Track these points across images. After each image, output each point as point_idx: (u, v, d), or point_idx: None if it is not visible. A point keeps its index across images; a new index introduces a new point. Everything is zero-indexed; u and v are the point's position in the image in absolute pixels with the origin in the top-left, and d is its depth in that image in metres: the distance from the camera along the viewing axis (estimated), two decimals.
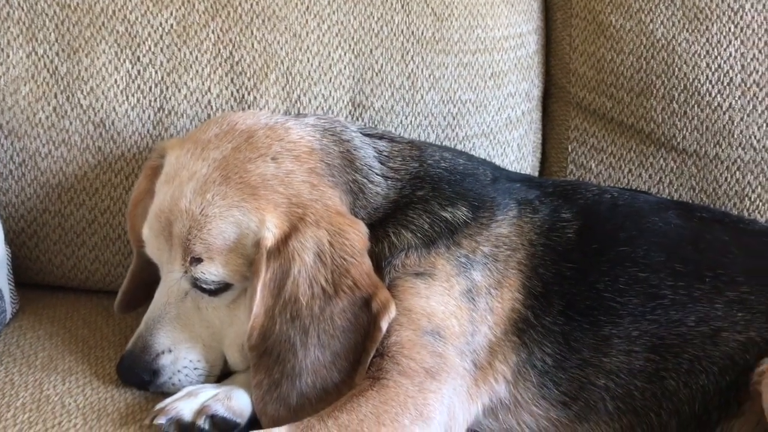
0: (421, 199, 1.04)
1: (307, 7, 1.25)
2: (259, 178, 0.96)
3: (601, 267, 1.04)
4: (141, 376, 1.00)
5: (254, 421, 0.98)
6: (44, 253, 1.26)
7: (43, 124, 1.22)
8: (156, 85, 1.23)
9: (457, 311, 0.98)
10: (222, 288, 0.98)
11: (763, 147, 1.31)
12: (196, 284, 0.99)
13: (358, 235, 0.96)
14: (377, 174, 1.05)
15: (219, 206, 0.95)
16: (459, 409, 0.97)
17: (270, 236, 0.94)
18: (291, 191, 0.97)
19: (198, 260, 0.96)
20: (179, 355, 1.00)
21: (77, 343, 1.12)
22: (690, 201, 1.35)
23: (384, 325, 0.95)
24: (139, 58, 1.23)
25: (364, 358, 0.94)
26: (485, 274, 1.01)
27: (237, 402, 0.96)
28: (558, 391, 1.00)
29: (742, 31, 1.30)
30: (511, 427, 1.02)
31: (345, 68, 1.26)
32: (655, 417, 1.00)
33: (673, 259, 1.05)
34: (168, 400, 0.96)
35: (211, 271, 0.96)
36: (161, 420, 0.93)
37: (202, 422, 0.93)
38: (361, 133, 1.10)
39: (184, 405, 0.95)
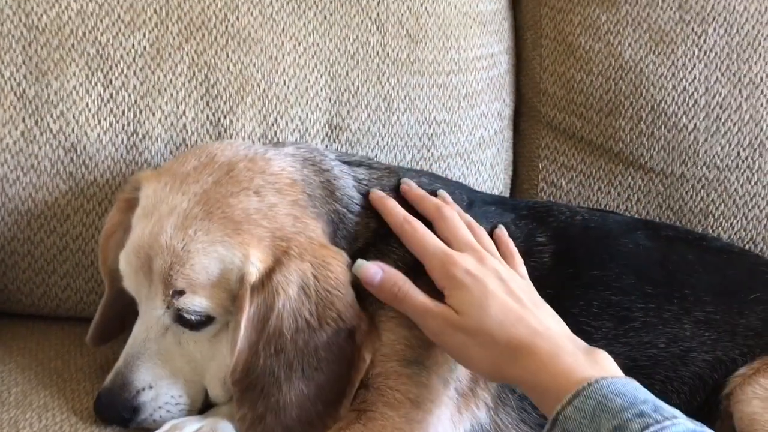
0: None
1: (283, 29, 1.24)
2: (242, 213, 0.95)
3: (575, 291, 1.06)
4: (121, 414, 0.97)
5: None
6: (12, 281, 1.22)
7: (10, 149, 1.18)
8: (129, 109, 1.20)
9: None
10: (204, 322, 0.97)
11: (726, 166, 1.36)
12: (178, 317, 0.97)
13: (341, 267, 0.96)
14: (356, 204, 1.05)
15: (202, 242, 0.94)
16: None
17: (254, 271, 0.93)
18: (275, 225, 0.96)
19: (180, 293, 0.95)
20: (160, 391, 0.98)
21: (51, 376, 1.09)
22: (657, 218, 1.39)
23: (368, 356, 0.95)
24: (111, 81, 1.20)
25: (349, 389, 0.94)
26: None
27: None
28: (536, 414, 1.02)
29: (705, 54, 1.35)
30: None
31: (321, 90, 1.26)
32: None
33: (643, 280, 1.08)
34: None
35: (195, 303, 0.94)
36: None
37: None
38: (339, 161, 1.09)
39: None
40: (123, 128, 1.20)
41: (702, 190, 1.37)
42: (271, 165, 1.01)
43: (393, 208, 1.03)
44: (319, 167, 1.05)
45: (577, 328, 1.03)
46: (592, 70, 1.38)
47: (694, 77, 1.35)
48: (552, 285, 1.05)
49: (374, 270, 0.97)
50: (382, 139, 1.29)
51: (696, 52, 1.35)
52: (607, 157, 1.39)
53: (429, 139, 1.33)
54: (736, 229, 1.37)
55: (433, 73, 1.32)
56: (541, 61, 1.43)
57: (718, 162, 1.36)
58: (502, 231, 1.08)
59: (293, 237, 0.96)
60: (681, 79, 1.35)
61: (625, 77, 1.36)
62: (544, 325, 0.91)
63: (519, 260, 1.04)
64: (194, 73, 1.21)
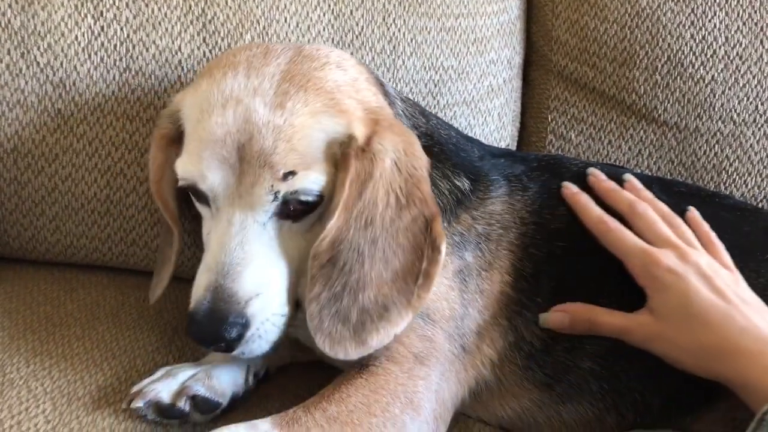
0: (436, 159, 0.98)
1: None
2: (333, 84, 0.90)
3: (589, 246, 1.02)
4: (230, 332, 0.84)
5: (236, 400, 0.94)
6: None
7: None
8: (121, 44, 1.14)
9: (448, 293, 0.94)
10: (309, 208, 0.89)
11: (743, 121, 1.31)
12: (282, 207, 0.88)
13: (421, 150, 0.93)
14: (400, 110, 1.01)
15: (304, 114, 0.87)
16: (447, 395, 0.94)
17: (360, 135, 0.88)
18: (361, 97, 0.92)
19: (292, 173, 0.86)
20: (268, 299, 0.87)
21: (40, 321, 1.05)
22: (669, 174, 1.34)
23: (443, 249, 0.89)
24: (102, 13, 1.13)
25: (425, 282, 0.89)
26: (477, 255, 0.97)
27: (218, 381, 0.92)
28: (543, 373, 0.99)
29: (726, 2, 1.29)
30: (494, 408, 1.00)
31: (324, 29, 1.19)
32: (638, 396, 1.00)
33: None
34: (144, 382, 0.91)
35: (310, 180, 0.86)
36: (138, 403, 0.88)
37: (183, 404, 0.89)
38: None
39: (163, 386, 0.90)
40: (114, 64, 1.13)
41: (716, 145, 1.32)
42: (333, 49, 0.98)
43: (587, 205, 1.02)
44: (367, 67, 1.04)
45: (588, 285, 1.00)
46: (606, 17, 1.32)
47: (714, 26, 1.29)
48: (566, 238, 1.01)
49: (560, 316, 0.97)
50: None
51: (716, 0, 1.29)
52: (619, 109, 1.34)
53: (435, 86, 1.27)
54: (749, 186, 1.33)
55: (441, 16, 1.26)
56: (554, 8, 1.36)
57: (735, 116, 1.31)
58: (694, 214, 1.05)
59: (379, 111, 0.92)
60: (699, 28, 1.29)
61: (641, 25, 1.30)
62: (752, 322, 0.89)
63: (719, 246, 1.02)
64: (191, 7, 1.15)
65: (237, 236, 0.86)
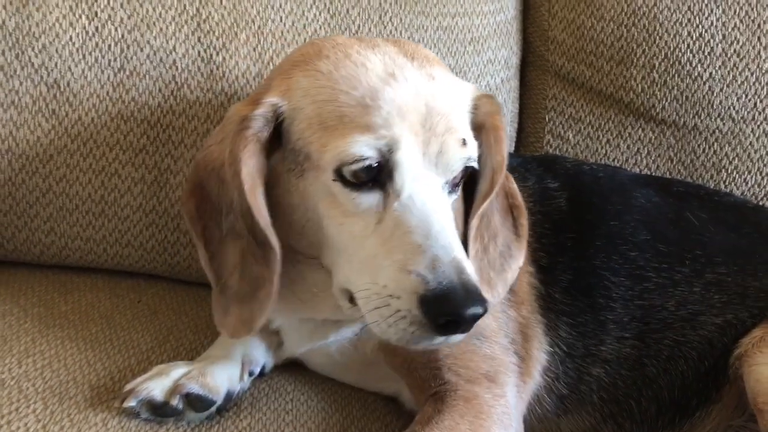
0: None
1: None
2: (438, 59, 0.92)
3: (596, 242, 1.01)
4: (483, 306, 0.77)
5: (231, 398, 0.93)
6: None
7: None
8: (116, 44, 1.13)
9: None
10: (460, 179, 0.88)
11: (742, 118, 1.30)
12: (453, 178, 0.86)
13: None
14: None
15: (455, 83, 0.88)
16: (520, 408, 0.93)
17: (483, 103, 0.90)
18: None
19: (464, 141, 0.85)
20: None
21: (33, 322, 1.04)
22: (668, 173, 1.33)
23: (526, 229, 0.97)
24: (96, 13, 1.13)
25: (519, 213, 0.96)
26: None
27: (212, 378, 0.90)
28: (564, 383, 0.98)
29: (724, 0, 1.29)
30: None
31: (320, 28, 1.19)
32: (635, 404, 0.99)
33: (657, 238, 1.03)
34: (137, 381, 0.90)
35: (475, 146, 0.87)
36: (131, 402, 0.87)
37: (176, 402, 0.87)
38: None
39: (155, 384, 0.88)
40: (109, 64, 1.13)
41: (715, 143, 1.31)
42: None
43: None
44: None
45: (600, 282, 0.98)
46: (603, 16, 1.31)
47: (711, 23, 1.29)
48: (572, 230, 1.01)
49: None
50: None
51: None
52: (617, 108, 1.33)
53: None
54: (750, 184, 1.32)
55: (437, 15, 1.26)
56: (550, 7, 1.36)
57: (734, 113, 1.30)
58: None
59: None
60: (697, 26, 1.29)
61: (637, 23, 1.30)
62: None
63: None
64: (185, 7, 1.15)
65: (440, 206, 0.82)
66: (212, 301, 0.86)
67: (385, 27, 1.22)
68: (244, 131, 0.82)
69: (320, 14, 1.19)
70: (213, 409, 0.90)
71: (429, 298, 0.75)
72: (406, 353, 0.91)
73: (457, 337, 0.79)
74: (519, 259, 0.94)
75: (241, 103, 0.87)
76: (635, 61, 1.30)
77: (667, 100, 1.31)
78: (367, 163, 0.80)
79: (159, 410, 0.87)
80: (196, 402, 0.88)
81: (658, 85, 1.30)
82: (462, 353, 0.90)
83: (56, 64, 1.12)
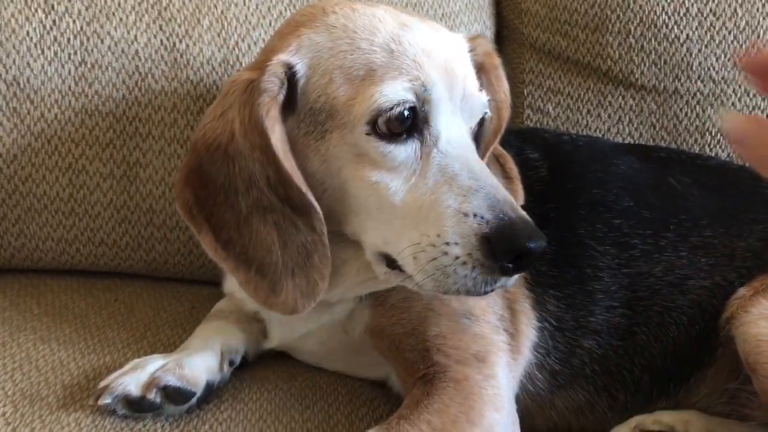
0: None
1: None
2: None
3: (579, 211, 0.99)
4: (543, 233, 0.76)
5: (211, 389, 0.89)
6: None
7: None
8: (75, 36, 1.10)
9: None
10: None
11: (722, 78, 1.27)
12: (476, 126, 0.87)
13: None
14: None
15: (452, 34, 0.88)
16: (511, 388, 0.90)
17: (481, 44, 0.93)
18: None
19: (480, 88, 0.87)
20: None
21: (3, 325, 1.01)
22: (651, 140, 1.31)
23: None
24: (53, 6, 1.10)
25: None
26: None
27: (190, 370, 0.87)
28: (555, 358, 0.95)
29: None
30: None
31: (285, 10, 1.16)
32: (628, 375, 0.96)
33: (640, 205, 1.01)
34: (111, 377, 0.86)
35: (485, 94, 0.87)
36: (107, 399, 0.83)
37: (153, 396, 0.84)
38: None
39: (130, 379, 0.85)
40: (69, 57, 1.10)
41: (697, 106, 1.29)
42: None
43: None
44: None
45: (585, 252, 0.96)
46: None
47: None
48: (554, 199, 0.98)
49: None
50: None
51: None
52: (595, 76, 1.31)
53: None
54: None
55: None
56: None
57: (714, 74, 1.27)
58: None
59: None
60: None
61: None
62: None
63: None
64: None
65: (474, 149, 0.81)
66: (248, 288, 0.79)
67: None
68: (260, 96, 0.76)
69: None
70: (193, 401, 0.87)
71: (492, 237, 0.73)
72: (393, 335, 0.88)
73: (515, 278, 0.77)
74: (519, 201, 0.92)
75: (241, 72, 0.82)
76: (610, 27, 1.28)
77: (645, 65, 1.28)
78: (407, 105, 0.77)
79: (136, 405, 0.84)
80: (174, 395, 0.85)
81: (635, 51, 1.28)
82: (451, 333, 0.87)
83: (14, 61, 1.09)
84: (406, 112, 0.77)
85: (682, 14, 1.26)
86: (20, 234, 1.13)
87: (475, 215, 0.74)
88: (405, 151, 0.78)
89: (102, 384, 0.85)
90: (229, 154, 0.77)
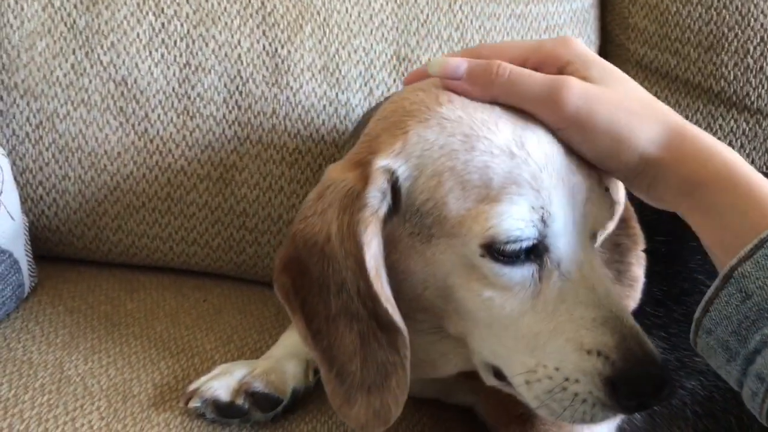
0: None
1: None
2: None
3: (690, 242, 0.90)
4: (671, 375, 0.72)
5: (298, 396, 0.88)
6: (64, 223, 1.16)
7: (60, 83, 1.12)
8: (181, 39, 1.12)
9: None
10: None
11: None
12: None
13: None
14: None
15: None
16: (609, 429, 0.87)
17: None
18: None
19: (606, 189, 0.77)
20: None
21: (100, 319, 1.03)
22: (764, 167, 1.23)
23: None
24: (163, 9, 1.12)
25: None
26: None
27: (278, 377, 0.86)
28: None
29: None
30: None
31: (387, 18, 1.15)
32: (734, 420, 0.89)
33: None
34: (201, 380, 0.87)
35: (615, 188, 0.78)
36: (196, 402, 0.84)
37: (242, 401, 0.84)
38: None
39: (220, 384, 0.85)
40: (175, 60, 1.12)
41: None
42: None
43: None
44: None
45: (695, 288, 0.90)
46: None
47: None
48: (665, 232, 0.91)
49: (456, 62, 0.73)
50: None
51: None
52: (706, 97, 1.24)
53: None
54: None
55: (510, 2, 1.20)
56: None
57: None
58: None
59: None
60: None
61: (728, 5, 1.20)
62: None
63: None
64: (250, 1, 1.13)
65: (597, 263, 0.73)
66: (327, 386, 0.74)
67: (455, 15, 1.17)
68: (361, 212, 0.70)
69: (387, 4, 1.15)
70: (279, 408, 0.86)
71: (617, 381, 0.67)
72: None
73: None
74: (632, 305, 0.83)
75: (342, 167, 0.74)
76: (726, 46, 1.21)
77: (763, 88, 1.20)
78: (525, 245, 0.69)
79: (224, 410, 0.84)
80: (262, 401, 0.84)
81: (753, 72, 1.20)
82: None
83: (124, 62, 1.12)
84: (524, 246, 0.69)
85: None
86: (118, 229, 1.16)
87: (599, 353, 0.67)
88: (522, 273, 0.70)
89: (191, 387, 0.86)
90: (325, 253, 0.72)
